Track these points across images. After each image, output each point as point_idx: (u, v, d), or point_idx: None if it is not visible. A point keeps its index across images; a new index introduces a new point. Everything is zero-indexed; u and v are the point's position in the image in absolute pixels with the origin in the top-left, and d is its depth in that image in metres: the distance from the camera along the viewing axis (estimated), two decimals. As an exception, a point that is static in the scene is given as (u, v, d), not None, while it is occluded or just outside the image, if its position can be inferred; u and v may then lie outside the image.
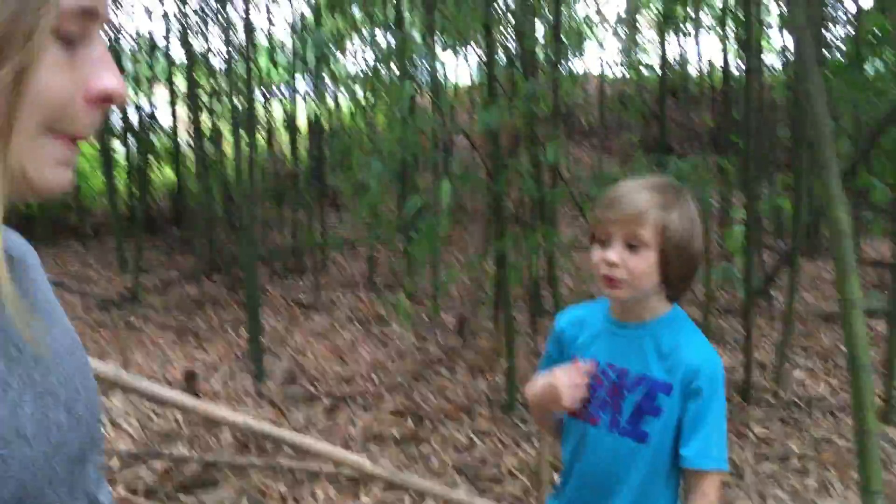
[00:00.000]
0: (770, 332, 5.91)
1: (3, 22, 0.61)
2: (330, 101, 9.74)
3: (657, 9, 10.48)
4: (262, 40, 10.23)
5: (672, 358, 1.52)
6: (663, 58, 7.55)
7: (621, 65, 12.34)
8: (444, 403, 4.81)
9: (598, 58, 14.03)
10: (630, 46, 11.33)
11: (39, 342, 0.73)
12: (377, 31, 7.85)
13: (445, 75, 9.84)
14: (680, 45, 9.14)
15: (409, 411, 4.66)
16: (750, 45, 4.69)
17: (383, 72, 5.74)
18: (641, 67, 10.86)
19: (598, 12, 12.81)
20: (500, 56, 6.35)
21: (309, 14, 9.07)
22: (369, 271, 8.18)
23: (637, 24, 12.51)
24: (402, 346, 6.08)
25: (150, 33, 10.30)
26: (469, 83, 10.30)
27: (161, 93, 10.56)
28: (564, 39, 8.53)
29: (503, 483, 3.84)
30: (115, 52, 10.01)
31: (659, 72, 8.23)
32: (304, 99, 8.96)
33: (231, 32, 6.27)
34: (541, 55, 8.62)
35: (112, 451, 4.12)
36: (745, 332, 4.74)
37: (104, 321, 6.84)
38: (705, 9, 8.50)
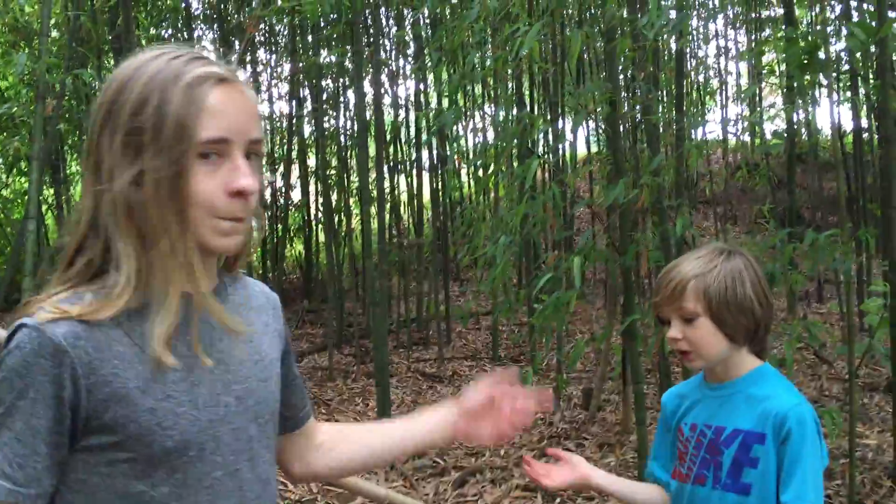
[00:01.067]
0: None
1: (168, 159, 1.04)
2: (453, 176, 9.99)
3: (782, 74, 10.30)
4: (387, 117, 10.69)
5: (761, 407, 1.58)
6: (790, 123, 7.40)
7: (743, 132, 12.15)
8: (574, 479, 4.75)
9: (720, 125, 13.88)
10: (759, 114, 11.16)
11: (213, 352, 1.12)
12: (499, 108, 8.06)
13: (565, 147, 9.93)
14: (807, 110, 8.93)
15: (538, 487, 4.62)
16: (886, 111, 4.56)
17: (505, 146, 5.88)
18: (766, 133, 10.66)
19: (721, 81, 12.72)
20: (621, 128, 6.41)
21: (432, 91, 9.44)
22: (493, 343, 8.23)
23: (761, 90, 12.32)
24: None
25: (284, 113, 10.91)
26: (586, 152, 10.39)
27: (295, 170, 11.12)
28: (685, 111, 8.49)
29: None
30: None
31: (785, 137, 8.06)
32: (429, 173, 9.25)
33: (360, 111, 6.59)
34: (663, 124, 8.61)
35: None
36: (892, 410, 4.49)
37: (241, 390, 7.15)
38: (834, 74, 8.30)
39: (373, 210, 8.07)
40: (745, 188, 13.52)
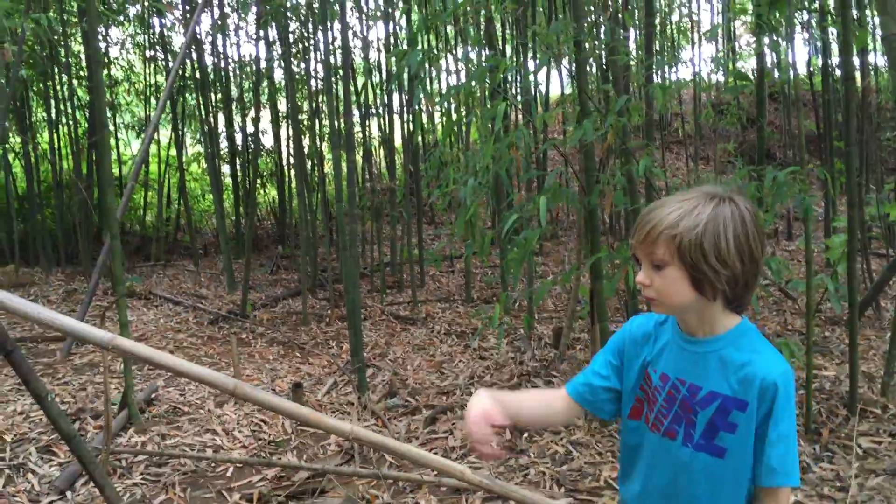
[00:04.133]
0: (879, 344, 5.71)
1: None
2: (425, 119, 9.95)
3: (752, 14, 10.26)
4: (358, 61, 10.57)
5: (743, 373, 1.50)
6: (760, 62, 7.41)
7: (717, 71, 12.13)
8: (542, 415, 4.86)
9: (690, 64, 13.81)
10: (725, 52, 11.14)
11: None
12: (470, 49, 7.99)
13: (537, 88, 9.89)
14: (777, 49, 8.94)
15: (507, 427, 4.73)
16: (847, 50, 4.59)
17: (476, 89, 5.86)
18: (738, 72, 10.67)
19: (692, 20, 12.66)
20: (593, 69, 6.39)
21: (403, 34, 9.32)
22: (466, 285, 8.31)
23: (733, 29, 12.28)
24: (499, 358, 6.17)
25: (252, 57, 10.74)
26: (560, 93, 10.37)
27: (265, 115, 11.00)
28: (658, 50, 8.45)
29: (602, 494, 3.87)
30: (223, 76, 10.51)
31: (754, 77, 8.07)
32: (400, 117, 9.20)
33: (329, 55, 6.51)
34: (634, 64, 8.59)
35: (226, 459, 4.37)
36: (849, 342, 4.62)
37: (216, 336, 7.20)
38: (803, 12, 8.31)
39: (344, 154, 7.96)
40: (717, 128, 13.59)
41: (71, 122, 10.75)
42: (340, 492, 4.06)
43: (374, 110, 10.45)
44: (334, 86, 6.12)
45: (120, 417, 4.81)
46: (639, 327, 1.73)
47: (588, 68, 5.52)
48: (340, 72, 7.48)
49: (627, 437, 1.72)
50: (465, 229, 4.76)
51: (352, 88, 9.20)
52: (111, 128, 12.26)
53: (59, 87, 10.48)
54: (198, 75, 10.16)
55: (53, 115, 10.50)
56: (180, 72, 10.28)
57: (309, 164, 10.08)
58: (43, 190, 11.13)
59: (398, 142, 10.03)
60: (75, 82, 10.73)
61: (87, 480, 3.94)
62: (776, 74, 10.80)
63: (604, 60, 6.62)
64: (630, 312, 5.89)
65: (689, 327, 1.59)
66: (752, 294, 1.55)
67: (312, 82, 10.15)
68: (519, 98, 7.26)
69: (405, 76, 5.48)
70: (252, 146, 10.39)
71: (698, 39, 12.77)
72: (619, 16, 6.17)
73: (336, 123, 5.97)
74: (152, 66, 12.12)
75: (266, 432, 4.83)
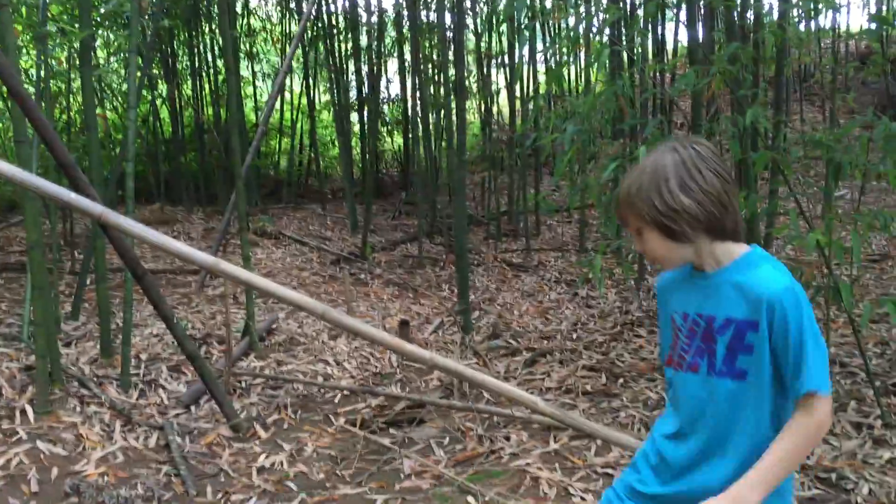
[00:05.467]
0: None
1: None
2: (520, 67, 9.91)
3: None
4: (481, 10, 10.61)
5: (752, 294, 1.53)
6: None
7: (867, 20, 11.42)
8: (639, 362, 4.94)
9: (837, 12, 13.01)
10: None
11: None
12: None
13: (661, 38, 9.65)
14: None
15: (604, 368, 4.84)
16: None
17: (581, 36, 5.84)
18: (878, 16, 10.01)
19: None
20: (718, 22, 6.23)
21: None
22: (580, 235, 8.36)
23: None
24: (606, 307, 6.23)
25: (379, 6, 10.98)
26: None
27: (393, 65, 11.26)
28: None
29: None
30: (353, 24, 10.82)
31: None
32: (524, 66, 9.23)
33: (450, 3, 6.64)
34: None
35: (335, 386, 4.70)
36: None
37: (336, 275, 7.60)
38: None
39: (470, 105, 8.04)
40: (865, 80, 12.85)
41: (212, 70, 11.38)
42: (438, 423, 4.31)
43: (497, 60, 10.49)
44: (449, 35, 6.24)
45: (242, 344, 5.24)
46: (663, 278, 1.79)
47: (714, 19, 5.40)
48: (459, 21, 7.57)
49: (669, 386, 1.78)
50: (564, 177, 4.82)
51: (468, 38, 9.30)
52: (248, 76, 12.87)
53: (201, 37, 11.09)
54: (328, 23, 10.50)
55: (196, 64, 11.13)
56: (312, 19, 10.66)
57: (433, 114, 10.29)
58: (187, 134, 11.88)
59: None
60: (216, 31, 11.30)
61: (209, 398, 4.35)
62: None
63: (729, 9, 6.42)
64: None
65: (702, 264, 1.63)
66: (734, 220, 1.57)
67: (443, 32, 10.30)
68: (634, 48, 7.14)
69: (518, 24, 5.51)
70: (371, 94, 10.68)
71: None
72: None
73: (452, 73, 6.11)
74: (288, 16, 12.58)
75: (373, 365, 5.14)
